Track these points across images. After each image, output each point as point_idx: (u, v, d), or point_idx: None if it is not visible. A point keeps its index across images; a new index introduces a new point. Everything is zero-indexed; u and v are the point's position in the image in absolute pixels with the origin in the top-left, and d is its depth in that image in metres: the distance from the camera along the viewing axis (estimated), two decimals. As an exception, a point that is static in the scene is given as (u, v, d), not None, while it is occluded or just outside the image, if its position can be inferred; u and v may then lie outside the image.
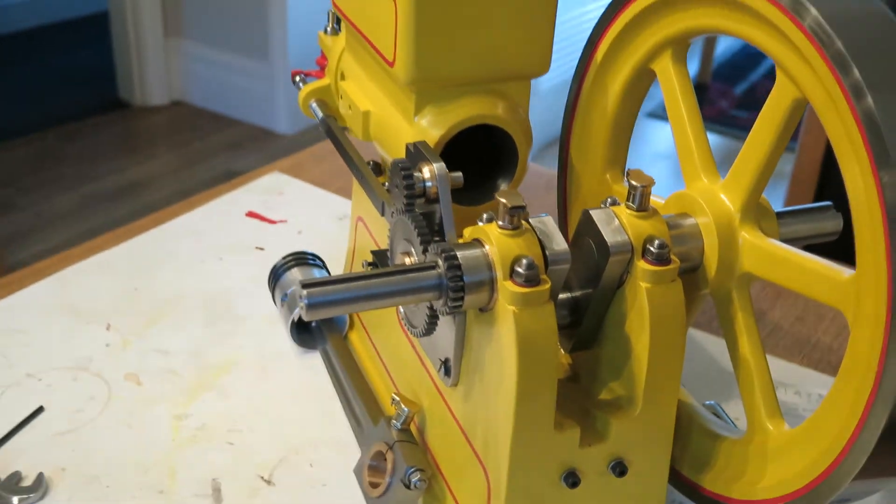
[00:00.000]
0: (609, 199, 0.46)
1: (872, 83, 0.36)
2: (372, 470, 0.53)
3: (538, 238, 0.42)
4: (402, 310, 0.49)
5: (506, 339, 0.42)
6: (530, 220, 0.43)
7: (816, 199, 0.95)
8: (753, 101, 3.11)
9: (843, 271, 0.40)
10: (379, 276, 0.41)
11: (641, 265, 0.43)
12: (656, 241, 0.43)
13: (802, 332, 0.71)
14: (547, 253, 0.42)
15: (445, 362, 0.48)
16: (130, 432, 0.58)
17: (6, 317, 0.67)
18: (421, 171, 0.46)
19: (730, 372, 0.49)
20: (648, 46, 0.50)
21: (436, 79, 0.50)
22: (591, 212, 0.44)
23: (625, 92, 0.53)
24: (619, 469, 0.46)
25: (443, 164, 0.46)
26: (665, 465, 0.47)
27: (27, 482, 0.53)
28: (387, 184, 0.49)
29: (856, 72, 0.37)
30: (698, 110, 0.49)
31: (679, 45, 0.49)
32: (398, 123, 0.53)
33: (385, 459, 0.52)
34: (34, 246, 2.31)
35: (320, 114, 0.64)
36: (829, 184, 0.99)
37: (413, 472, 0.50)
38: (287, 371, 0.63)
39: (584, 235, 0.44)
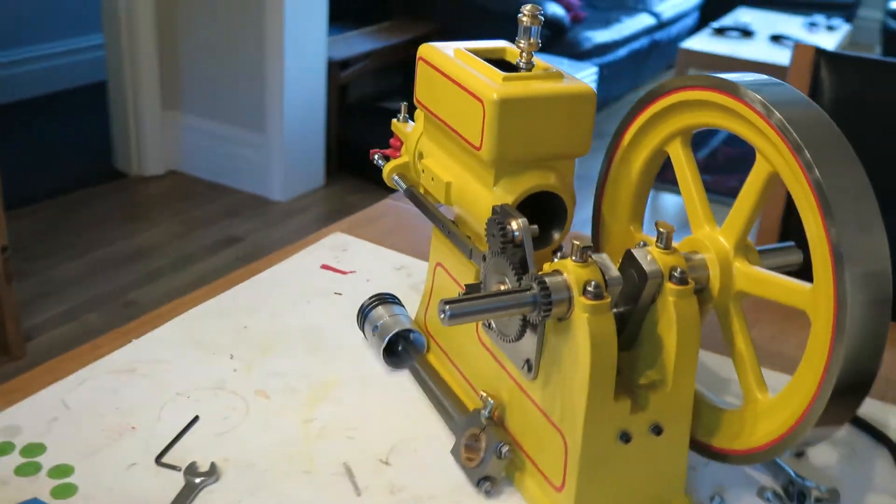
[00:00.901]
0: (642, 243, 0.66)
1: (819, 161, 0.57)
2: (468, 448, 0.71)
3: (599, 268, 0.62)
4: (494, 325, 0.68)
5: (581, 337, 0.61)
6: (593, 256, 0.63)
7: (779, 241, 1.17)
8: (714, 166, 3.37)
9: (805, 285, 0.60)
10: (496, 296, 0.61)
11: (669, 286, 0.63)
12: (678, 270, 0.63)
13: (774, 347, 0.91)
14: (606, 278, 0.62)
15: (528, 362, 0.67)
16: (270, 432, 0.75)
17: (149, 349, 0.84)
18: (510, 224, 0.65)
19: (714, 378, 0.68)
20: (664, 135, 0.71)
21: (510, 159, 0.70)
22: (632, 250, 0.64)
23: (644, 167, 0.74)
24: (657, 430, 0.65)
25: (526, 220, 0.65)
26: (687, 428, 0.66)
27: (203, 468, 0.70)
28: (483, 233, 0.68)
29: (807, 154, 0.57)
30: (700, 179, 0.69)
31: (686, 134, 0.70)
32: (478, 190, 0.73)
33: (478, 439, 0.70)
34: (47, 311, 2.45)
35: (404, 185, 0.83)
36: (785, 231, 1.22)
37: (502, 445, 0.68)
38: (382, 386, 0.82)
39: (629, 267, 0.64)
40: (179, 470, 0.70)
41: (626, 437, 0.64)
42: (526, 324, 0.64)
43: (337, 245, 1.05)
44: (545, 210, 0.73)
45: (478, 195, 0.73)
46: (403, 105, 0.89)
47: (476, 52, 0.75)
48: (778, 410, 0.63)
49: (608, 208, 0.77)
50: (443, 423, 0.77)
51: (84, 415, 0.75)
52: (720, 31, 3.80)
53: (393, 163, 0.86)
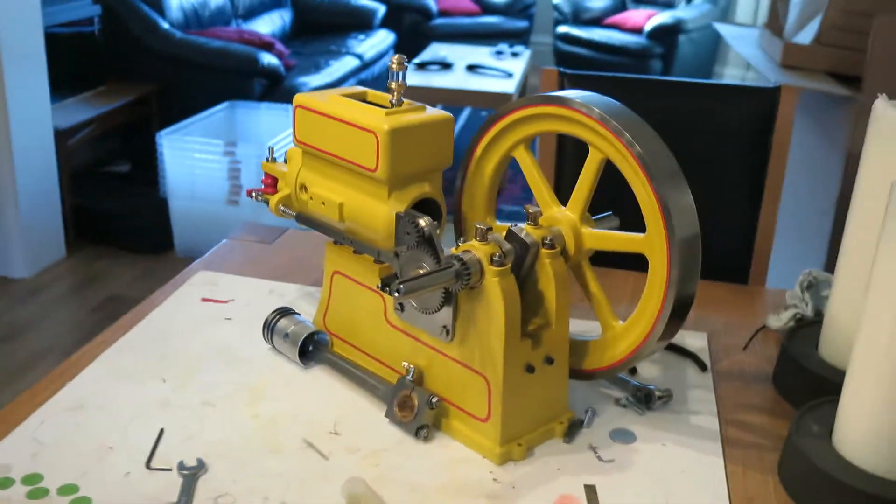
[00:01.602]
0: (514, 224, 0.87)
1: (636, 139, 0.81)
2: (401, 407, 0.89)
3: (497, 244, 0.83)
4: (415, 303, 0.86)
5: (494, 297, 0.81)
6: (489, 236, 0.83)
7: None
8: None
9: (640, 235, 0.85)
10: (430, 274, 0.79)
11: (543, 251, 0.85)
12: (548, 238, 0.85)
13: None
14: (503, 250, 0.83)
15: (444, 328, 0.86)
16: (229, 429, 0.88)
17: (86, 388, 0.93)
18: (419, 223, 0.84)
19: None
20: (510, 144, 0.93)
21: (400, 176, 0.89)
22: (512, 229, 0.86)
23: (495, 171, 0.96)
24: (549, 361, 0.86)
25: (429, 218, 0.85)
26: (567, 357, 0.89)
27: (191, 464, 0.82)
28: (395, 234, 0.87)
29: (627, 135, 0.82)
30: (541, 172, 0.92)
31: (527, 141, 0.93)
32: (373, 205, 0.91)
33: (409, 397, 0.88)
34: None
35: (293, 212, 1.00)
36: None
37: (432, 397, 0.87)
38: (303, 381, 0.97)
39: (513, 242, 0.85)
40: (170, 469, 0.81)
41: (530, 369, 0.85)
42: (448, 295, 0.83)
43: (207, 281, 1.18)
44: (426, 212, 0.92)
45: (374, 209, 0.91)
46: (270, 148, 1.05)
47: (349, 96, 0.94)
48: (629, 332, 0.88)
49: (467, 206, 0.99)
50: (368, 396, 0.94)
51: (60, 445, 0.84)
52: (422, 66, 4.18)
53: (277, 196, 1.01)
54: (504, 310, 0.81)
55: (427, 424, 0.88)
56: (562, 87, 1.50)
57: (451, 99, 3.92)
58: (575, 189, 0.89)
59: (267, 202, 1.03)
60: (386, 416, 0.90)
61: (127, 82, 3.81)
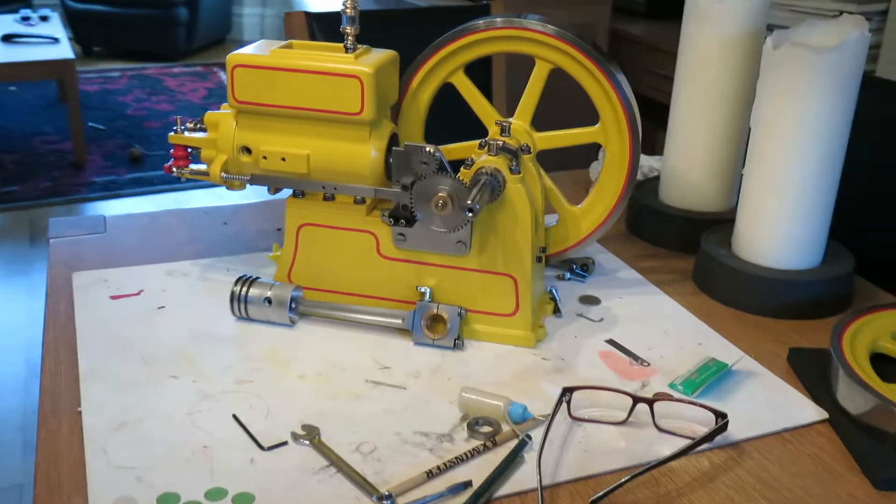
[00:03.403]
0: (486, 140, 0.97)
1: (580, 38, 0.96)
2: (431, 328, 0.95)
3: (505, 155, 0.93)
4: (441, 228, 0.93)
5: (519, 201, 0.92)
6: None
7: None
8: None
9: (593, 127, 1.01)
10: (479, 187, 0.87)
11: (524, 156, 0.97)
12: (523, 144, 0.97)
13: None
14: (514, 159, 0.93)
15: (460, 243, 0.95)
16: (297, 393, 0.87)
17: (104, 407, 0.84)
18: (432, 152, 0.91)
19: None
20: (448, 71, 1.01)
21: (378, 116, 0.94)
22: (490, 142, 0.96)
23: (430, 100, 1.04)
24: (543, 250, 0.99)
25: (435, 145, 0.91)
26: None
27: (303, 432, 0.81)
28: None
29: (583, 42, 0.96)
30: (482, 95, 1.03)
31: (465, 66, 1.02)
32: (352, 148, 0.94)
33: (437, 316, 0.95)
34: None
35: (245, 176, 0.97)
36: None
37: (460, 309, 0.95)
38: (308, 337, 0.97)
39: (506, 151, 0.96)
40: (287, 443, 0.80)
41: (539, 258, 0.97)
42: (472, 211, 0.91)
43: (97, 280, 1.07)
44: (390, 145, 0.98)
45: (354, 152, 0.94)
46: (178, 118, 1.00)
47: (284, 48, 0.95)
48: (588, 213, 1.04)
49: (403, 134, 1.05)
50: (378, 333, 0.98)
51: (158, 463, 0.77)
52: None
53: (216, 163, 0.98)
54: (529, 211, 0.92)
55: (460, 336, 0.96)
56: (311, 29, 1.55)
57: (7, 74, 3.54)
58: (522, 100, 1.02)
59: (185, 177, 0.99)
60: (415, 342, 0.96)
61: None
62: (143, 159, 3.87)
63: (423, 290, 0.96)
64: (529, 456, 0.79)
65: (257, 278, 1.00)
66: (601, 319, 1.03)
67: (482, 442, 0.81)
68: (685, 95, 1.17)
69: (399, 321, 0.97)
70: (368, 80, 0.90)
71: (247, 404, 0.85)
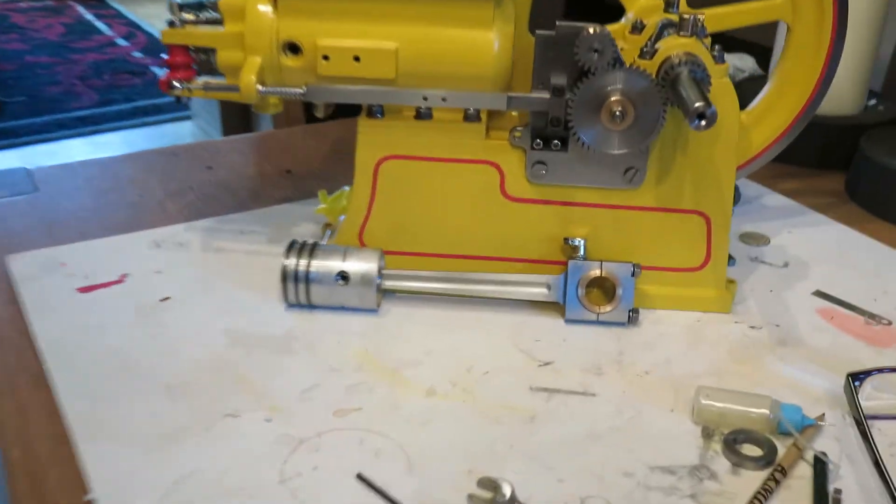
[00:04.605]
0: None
1: None
2: (593, 298, 0.65)
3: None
4: (592, 144, 0.61)
5: (725, 99, 0.61)
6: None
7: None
8: None
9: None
10: (697, 85, 0.56)
11: (703, 39, 0.66)
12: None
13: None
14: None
15: (630, 170, 0.64)
16: (451, 419, 0.56)
17: (213, 462, 0.50)
18: (606, 33, 0.59)
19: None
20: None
21: (506, -19, 0.61)
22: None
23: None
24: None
25: (599, 24, 0.60)
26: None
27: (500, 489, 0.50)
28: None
29: None
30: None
31: None
32: (466, 35, 0.61)
33: (601, 279, 0.64)
34: None
35: (300, 89, 0.63)
36: None
37: (633, 266, 0.64)
38: (409, 328, 0.65)
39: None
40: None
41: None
42: (657, 119, 0.60)
43: (40, 267, 0.71)
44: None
45: (469, 39, 0.62)
46: (174, 4, 0.64)
47: None
48: (762, 122, 0.73)
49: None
50: (510, 308, 0.66)
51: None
52: None
53: (248, 70, 0.63)
54: (736, 120, 0.62)
55: (636, 308, 0.65)
56: None
57: None
58: None
59: (193, 95, 0.64)
60: (568, 318, 0.65)
61: None
62: (3, 107, 3.32)
63: (574, 242, 0.65)
64: (841, 485, 0.51)
65: (316, 244, 0.66)
66: (786, 264, 0.75)
67: (765, 471, 0.52)
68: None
69: (543, 290, 0.66)
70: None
71: (369, 450, 0.53)
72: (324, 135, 1.01)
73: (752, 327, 0.66)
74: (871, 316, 0.68)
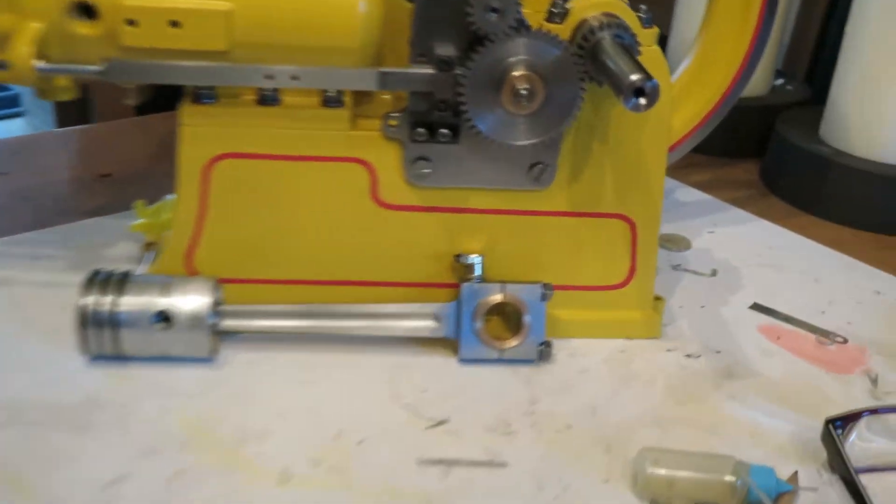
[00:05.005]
0: None
1: None
2: (494, 330, 0.51)
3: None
4: (524, 139, 0.47)
5: (659, 71, 0.48)
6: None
7: None
8: None
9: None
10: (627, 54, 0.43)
11: None
12: None
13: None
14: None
15: (537, 166, 0.50)
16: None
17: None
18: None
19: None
20: None
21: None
22: None
23: None
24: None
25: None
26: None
27: None
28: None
29: None
30: None
31: None
32: (317, -8, 0.46)
33: (501, 304, 0.50)
34: None
35: (89, 63, 0.46)
36: None
37: (542, 288, 0.51)
38: (255, 382, 0.49)
39: None
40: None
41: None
42: (574, 99, 0.46)
43: None
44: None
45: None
46: None
47: None
48: (680, 106, 0.61)
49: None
50: (387, 346, 0.52)
51: None
52: None
53: (21, 40, 0.45)
54: (668, 100, 0.49)
55: (549, 341, 0.52)
56: None
57: None
58: None
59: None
60: (462, 358, 0.51)
61: None
62: None
63: (468, 260, 0.51)
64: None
65: (127, 274, 0.49)
66: (714, 272, 0.63)
67: (741, 571, 0.39)
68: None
69: (430, 323, 0.51)
70: None
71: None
72: (155, 129, 0.83)
73: (689, 356, 0.53)
74: (824, 333, 0.57)
